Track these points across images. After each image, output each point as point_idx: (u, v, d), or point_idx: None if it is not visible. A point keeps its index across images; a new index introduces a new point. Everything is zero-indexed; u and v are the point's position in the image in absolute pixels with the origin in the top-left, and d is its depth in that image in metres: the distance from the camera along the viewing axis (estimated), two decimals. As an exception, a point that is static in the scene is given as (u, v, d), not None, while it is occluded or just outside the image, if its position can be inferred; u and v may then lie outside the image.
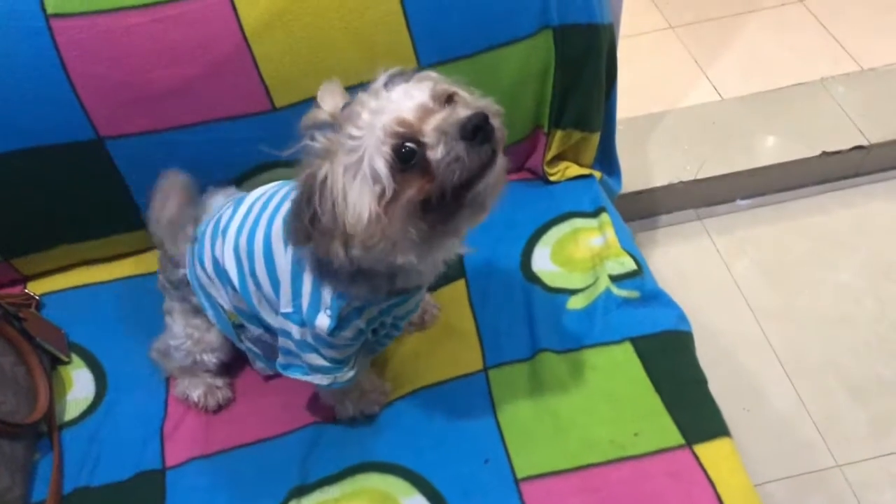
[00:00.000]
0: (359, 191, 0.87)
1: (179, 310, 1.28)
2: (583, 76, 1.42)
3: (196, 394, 1.28)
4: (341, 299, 1.02)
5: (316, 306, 1.04)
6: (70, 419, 1.30)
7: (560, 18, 1.35)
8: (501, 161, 0.90)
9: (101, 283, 1.49)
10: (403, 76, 0.92)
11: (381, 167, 0.85)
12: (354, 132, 0.87)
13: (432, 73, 0.93)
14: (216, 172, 1.35)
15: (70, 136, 1.30)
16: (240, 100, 1.32)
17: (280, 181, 1.18)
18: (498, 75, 1.38)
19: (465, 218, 0.92)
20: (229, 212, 1.17)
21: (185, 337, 1.26)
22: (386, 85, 0.91)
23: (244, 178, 1.39)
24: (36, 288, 1.48)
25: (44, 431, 1.27)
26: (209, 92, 1.30)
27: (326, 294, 1.03)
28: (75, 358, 1.38)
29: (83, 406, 1.31)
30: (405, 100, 0.88)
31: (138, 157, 1.34)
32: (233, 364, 1.33)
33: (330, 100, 0.93)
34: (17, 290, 1.47)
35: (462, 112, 0.86)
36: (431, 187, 0.86)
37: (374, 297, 1.03)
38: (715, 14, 2.61)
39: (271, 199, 1.13)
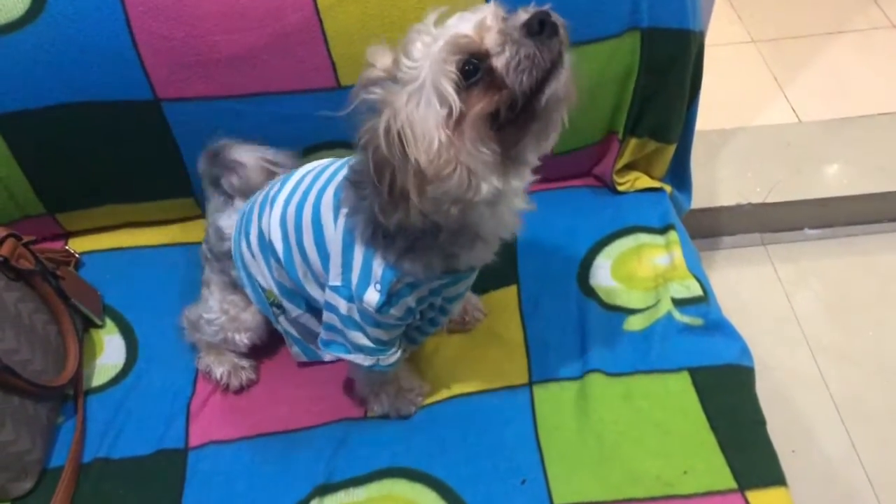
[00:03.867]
0: (424, 116, 0.83)
1: (218, 282, 1.24)
2: (667, 84, 1.35)
3: (220, 371, 1.25)
4: (392, 273, 0.98)
5: (366, 280, 1.00)
6: (97, 385, 1.27)
7: (650, 21, 1.28)
8: (568, 60, 0.86)
9: (144, 247, 1.46)
10: (451, 13, 0.89)
11: (447, 86, 0.82)
12: (410, 63, 0.85)
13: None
14: (273, 146, 1.30)
15: (127, 93, 1.26)
16: (304, 74, 1.27)
17: (332, 158, 1.14)
18: (577, 74, 1.30)
19: (533, 135, 0.89)
20: (278, 185, 1.14)
21: (221, 312, 1.22)
22: (436, 21, 0.88)
23: (300, 156, 1.34)
24: (77, 245, 1.45)
25: (69, 395, 1.24)
26: (273, 63, 1.26)
27: (378, 266, 0.99)
28: (108, 322, 1.35)
29: (112, 373, 1.28)
30: (462, 22, 0.86)
31: (194, 122, 1.30)
32: (266, 349, 1.29)
33: (381, 58, 0.90)
34: (58, 245, 1.44)
35: (522, 15, 0.83)
36: (501, 96, 0.83)
37: (427, 274, 0.99)
38: (801, 31, 2.51)
39: (323, 171, 1.10)
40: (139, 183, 1.39)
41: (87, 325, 1.33)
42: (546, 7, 0.83)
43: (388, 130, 0.84)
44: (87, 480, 1.15)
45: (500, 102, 0.84)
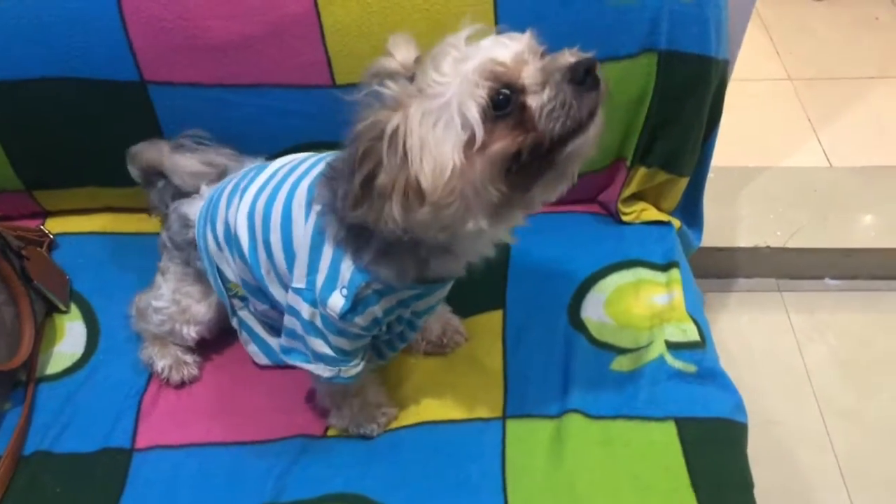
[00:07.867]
0: (441, 138, 0.78)
1: (176, 272, 1.18)
2: (682, 112, 1.26)
3: (161, 364, 1.19)
4: (362, 276, 0.92)
5: (332, 283, 0.95)
6: (51, 373, 1.21)
7: (669, 43, 1.20)
8: (600, 117, 0.81)
9: (122, 233, 1.41)
10: (485, 32, 0.84)
11: (473, 112, 0.77)
12: (437, 77, 0.79)
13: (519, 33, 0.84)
14: (258, 141, 1.25)
15: (112, 73, 1.21)
16: (299, 69, 1.22)
17: (310, 153, 1.08)
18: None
19: (543, 185, 0.85)
20: (251, 174, 1.08)
21: (172, 302, 1.17)
22: (468, 38, 0.82)
23: (284, 154, 1.27)
24: (55, 226, 1.40)
25: (21, 381, 1.18)
26: (267, 54, 1.20)
27: (346, 269, 0.94)
28: (74, 308, 1.29)
29: (68, 362, 1.23)
30: (498, 47, 0.81)
31: (180, 108, 1.25)
32: (222, 350, 1.25)
33: (403, 50, 0.85)
34: (34, 224, 1.39)
35: (568, 58, 0.79)
36: (528, 138, 0.79)
37: (398, 281, 0.94)
38: (841, 73, 2.41)
39: (298, 165, 1.04)
40: (121, 167, 1.33)
41: (51, 310, 1.28)
42: (592, 54, 0.79)
43: (394, 135, 0.79)
44: (24, 472, 1.09)
45: (524, 144, 0.79)
